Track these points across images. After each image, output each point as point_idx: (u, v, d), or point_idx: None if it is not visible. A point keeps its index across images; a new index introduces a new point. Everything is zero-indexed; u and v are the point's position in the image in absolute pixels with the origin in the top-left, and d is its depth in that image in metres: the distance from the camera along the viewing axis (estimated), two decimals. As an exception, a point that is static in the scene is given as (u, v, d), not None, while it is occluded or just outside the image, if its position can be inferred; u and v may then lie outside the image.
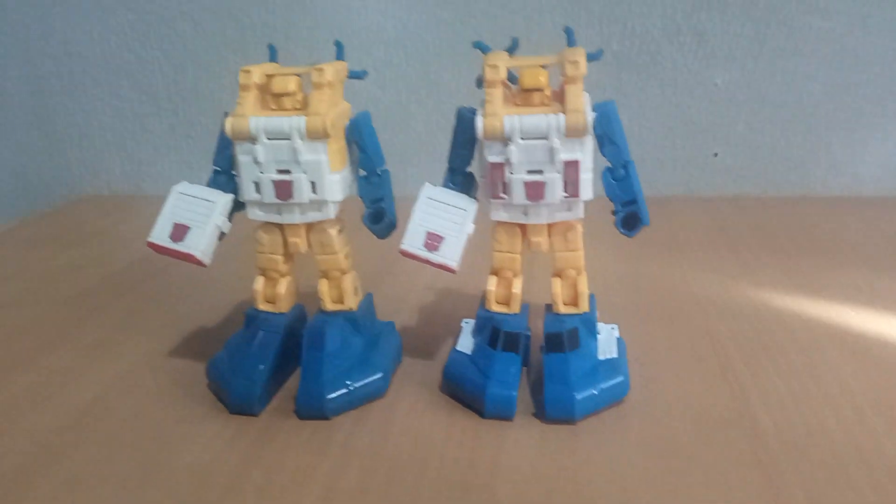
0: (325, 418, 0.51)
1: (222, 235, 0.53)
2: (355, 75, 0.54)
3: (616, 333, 0.55)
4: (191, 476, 0.45)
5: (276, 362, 0.53)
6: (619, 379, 0.51)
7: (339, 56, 0.55)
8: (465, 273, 0.68)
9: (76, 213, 1.09)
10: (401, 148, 1.06)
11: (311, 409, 0.50)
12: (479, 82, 0.53)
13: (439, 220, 0.51)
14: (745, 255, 0.80)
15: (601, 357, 0.52)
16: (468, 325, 0.57)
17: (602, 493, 0.42)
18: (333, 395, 0.50)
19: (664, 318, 0.64)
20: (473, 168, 0.52)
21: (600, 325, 0.55)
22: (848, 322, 0.62)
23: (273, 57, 0.56)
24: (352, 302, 0.55)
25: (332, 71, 0.51)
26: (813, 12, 0.93)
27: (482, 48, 0.53)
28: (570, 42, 0.52)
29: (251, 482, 0.45)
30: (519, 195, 0.49)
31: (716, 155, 1.01)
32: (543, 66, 0.49)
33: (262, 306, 0.56)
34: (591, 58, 0.50)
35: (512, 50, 0.52)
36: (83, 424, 0.51)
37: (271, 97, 0.51)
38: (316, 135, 0.49)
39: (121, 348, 0.62)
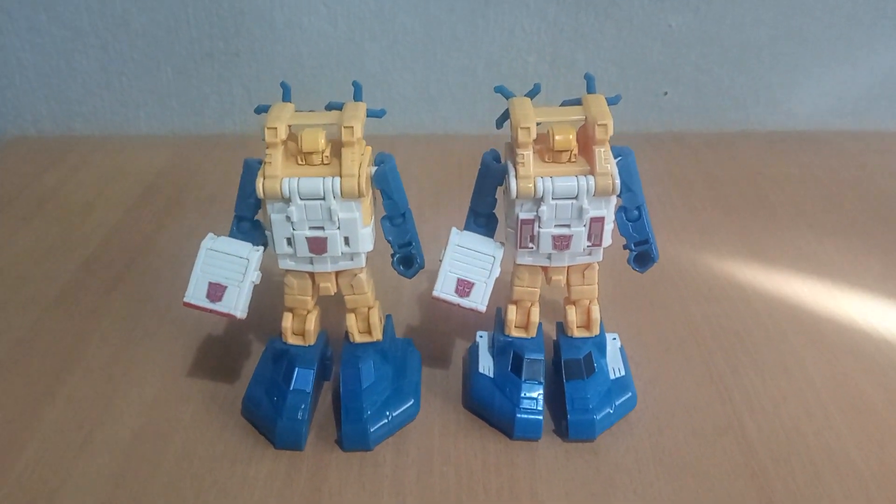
0: (368, 449, 0.55)
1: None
2: (374, 114, 0.54)
3: (618, 344, 0.61)
4: (264, 527, 0.50)
5: (314, 396, 0.57)
6: (629, 395, 0.57)
7: (357, 97, 0.54)
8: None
9: (8, 162, 1.02)
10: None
11: (356, 443, 0.55)
12: (500, 123, 0.54)
13: (468, 266, 0.54)
14: (700, 214, 0.87)
15: (612, 376, 0.58)
16: (483, 339, 0.62)
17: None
18: (375, 427, 0.55)
19: (645, 304, 0.70)
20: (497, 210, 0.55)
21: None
22: (802, 300, 0.71)
23: (287, 96, 0.54)
24: (379, 334, 0.58)
25: (360, 125, 0.51)
26: (766, -42, 0.95)
27: (504, 93, 0.54)
28: (590, 88, 0.53)
29: (321, 529, 0.50)
30: (546, 245, 0.52)
31: (665, 94, 1.05)
32: (571, 121, 0.51)
33: (292, 340, 0.58)
34: (611, 102, 0.52)
35: (533, 94, 0.53)
36: (135, 468, 0.54)
37: (299, 154, 0.51)
38: (351, 195, 0.50)
39: (139, 369, 0.63)
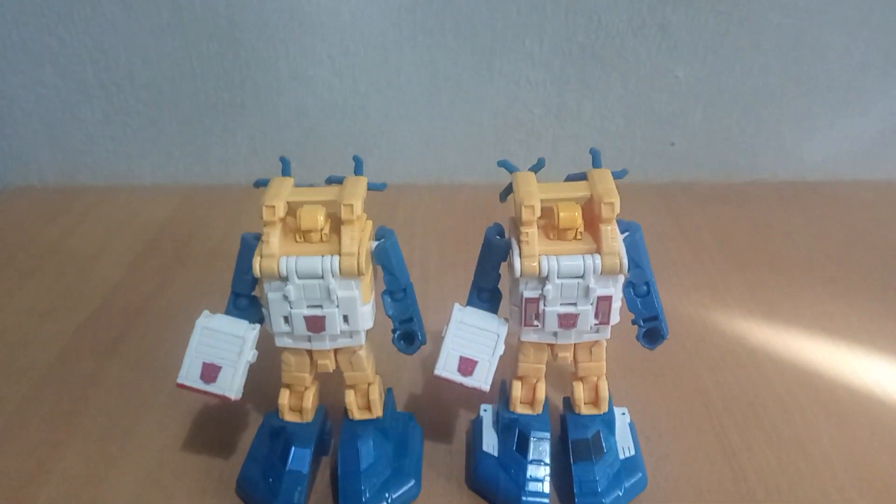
0: (369, 535, 0.53)
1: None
2: (374, 187, 0.53)
3: (627, 419, 0.59)
4: None
5: (311, 474, 0.55)
6: (639, 475, 0.55)
7: (358, 171, 0.53)
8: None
9: (10, 213, 1.01)
10: (359, 137, 1.03)
11: (356, 529, 0.53)
12: (503, 196, 0.53)
13: (471, 344, 0.52)
14: (708, 265, 0.85)
15: (622, 455, 0.56)
16: (487, 413, 0.60)
17: None
18: (375, 512, 0.53)
19: (654, 372, 0.68)
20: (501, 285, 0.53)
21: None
22: (817, 367, 0.69)
23: (286, 170, 0.53)
24: (379, 410, 0.56)
25: (360, 202, 0.49)
26: (775, 8, 0.94)
27: (508, 167, 0.53)
28: (596, 163, 0.52)
29: None
30: (552, 324, 0.51)
31: (672, 144, 1.04)
32: (577, 199, 0.50)
33: (289, 417, 0.56)
34: (617, 176, 0.51)
35: (537, 169, 0.52)
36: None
37: (297, 231, 0.50)
38: (350, 274, 0.49)
39: (132, 444, 0.61)
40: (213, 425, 0.63)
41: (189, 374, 0.51)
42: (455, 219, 0.96)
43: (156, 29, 0.97)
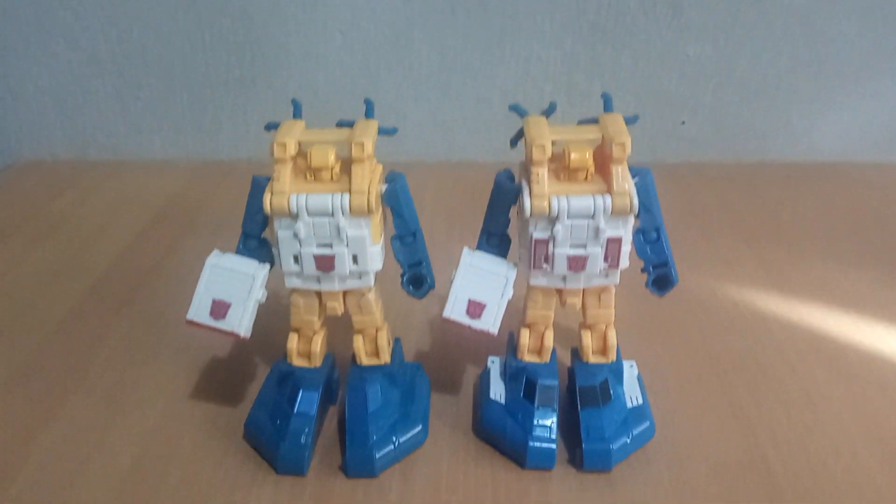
0: (373, 476, 0.53)
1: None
2: (385, 132, 0.53)
3: (636, 372, 0.59)
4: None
5: (319, 419, 0.55)
6: (647, 424, 0.55)
7: (369, 114, 0.53)
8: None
9: (21, 186, 1.02)
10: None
11: (361, 469, 0.53)
12: (514, 142, 0.53)
13: (480, 287, 0.52)
14: (720, 244, 0.85)
15: (629, 405, 0.56)
16: (495, 364, 0.59)
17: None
18: (381, 453, 0.53)
19: (663, 333, 0.68)
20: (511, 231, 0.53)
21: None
22: (827, 331, 0.68)
23: (297, 113, 0.53)
24: (387, 356, 0.56)
25: (371, 142, 0.50)
26: (785, -12, 0.94)
27: (519, 111, 0.53)
28: (608, 108, 0.52)
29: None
30: (561, 266, 0.51)
31: (683, 123, 1.04)
32: (588, 141, 0.50)
33: (297, 362, 0.56)
34: (629, 122, 0.51)
35: (549, 113, 0.52)
36: (132, 495, 0.52)
37: (308, 170, 0.50)
38: (360, 212, 0.49)
39: (140, 395, 0.61)
40: (220, 377, 0.63)
41: (199, 311, 0.51)
42: (463, 197, 0.96)
43: (168, 4, 0.98)
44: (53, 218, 0.93)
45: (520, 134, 0.52)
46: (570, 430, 0.55)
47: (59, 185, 1.01)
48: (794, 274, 0.78)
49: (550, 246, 0.50)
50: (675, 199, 0.95)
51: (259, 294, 0.51)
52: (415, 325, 0.69)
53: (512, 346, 0.58)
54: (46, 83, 1.04)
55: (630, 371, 0.59)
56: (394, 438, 0.53)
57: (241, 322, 0.50)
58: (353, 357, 0.56)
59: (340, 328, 0.58)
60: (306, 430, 0.53)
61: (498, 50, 1.00)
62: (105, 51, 1.01)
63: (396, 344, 0.59)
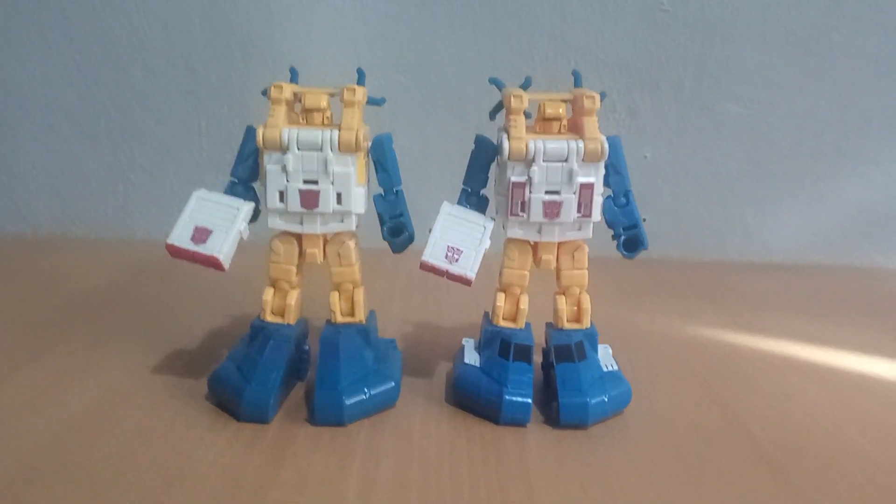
0: (342, 425, 0.50)
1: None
2: (374, 102, 0.57)
3: (610, 351, 0.59)
4: (218, 475, 0.44)
5: (287, 372, 0.53)
6: (624, 388, 0.54)
7: (360, 82, 0.58)
8: (457, 298, 0.71)
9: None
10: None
11: (329, 415, 0.50)
12: (493, 114, 0.58)
13: (459, 234, 0.53)
14: (688, 303, 0.87)
15: (605, 369, 0.55)
16: (469, 343, 0.59)
17: (635, 487, 0.45)
18: (351, 400, 0.51)
19: (640, 348, 0.68)
20: (487, 191, 0.56)
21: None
22: (796, 355, 0.69)
23: (294, 79, 0.58)
24: (362, 315, 0.56)
25: (362, 92, 0.54)
26: (731, 99, 1.05)
27: (497, 84, 0.58)
28: (577, 84, 0.57)
29: (284, 481, 0.44)
30: (537, 213, 0.53)
31: (644, 220, 1.10)
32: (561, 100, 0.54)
33: (270, 318, 0.55)
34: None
35: (525, 87, 0.57)
36: (83, 435, 0.48)
37: (301, 113, 0.53)
38: (348, 148, 0.52)
39: (102, 364, 0.59)
40: (190, 350, 0.62)
41: (180, 237, 0.51)
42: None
43: (171, 91, 1.06)
44: (21, 268, 0.92)
45: (498, 107, 0.57)
46: (546, 398, 0.54)
47: (39, 254, 1.02)
48: (761, 323, 0.80)
49: (527, 190, 0.53)
50: (636, 284, 0.97)
51: (242, 226, 0.52)
52: (392, 317, 0.69)
53: (487, 322, 0.58)
54: (42, 160, 1.08)
55: (605, 350, 0.58)
56: (365, 389, 0.52)
57: (221, 247, 0.50)
58: (328, 321, 0.56)
59: (316, 299, 0.58)
60: (273, 374, 0.51)
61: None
62: (105, 130, 1.07)
63: (372, 314, 0.59)
